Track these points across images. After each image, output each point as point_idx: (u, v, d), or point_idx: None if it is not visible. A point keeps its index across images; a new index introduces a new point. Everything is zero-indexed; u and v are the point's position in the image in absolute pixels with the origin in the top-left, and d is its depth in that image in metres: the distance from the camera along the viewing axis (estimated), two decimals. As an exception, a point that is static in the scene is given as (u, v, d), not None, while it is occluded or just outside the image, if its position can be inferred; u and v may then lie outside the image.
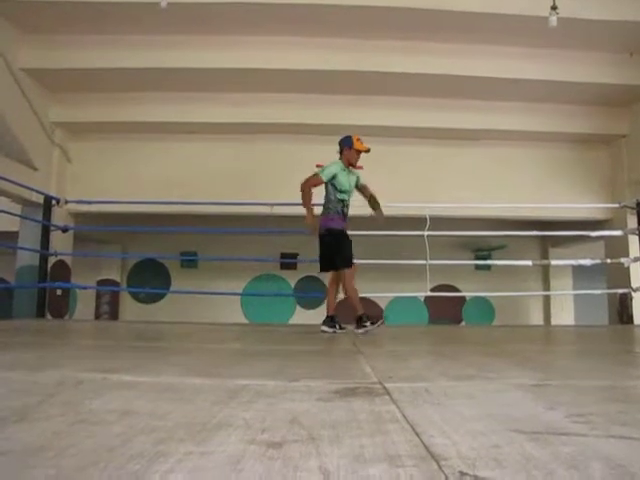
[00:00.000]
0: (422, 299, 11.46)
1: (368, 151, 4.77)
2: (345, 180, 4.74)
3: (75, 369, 2.12)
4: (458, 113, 8.36)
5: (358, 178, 4.91)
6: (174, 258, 11.54)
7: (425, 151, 8.93)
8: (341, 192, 4.74)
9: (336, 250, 4.69)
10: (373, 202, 4.94)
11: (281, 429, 1.15)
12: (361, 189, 4.95)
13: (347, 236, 4.78)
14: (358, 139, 4.78)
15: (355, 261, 4.81)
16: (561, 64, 7.60)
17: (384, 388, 1.69)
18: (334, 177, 4.69)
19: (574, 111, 8.54)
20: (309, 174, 4.76)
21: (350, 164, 4.79)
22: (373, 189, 5.00)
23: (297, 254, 10.95)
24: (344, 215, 4.79)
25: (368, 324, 4.55)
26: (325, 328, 4.76)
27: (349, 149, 4.75)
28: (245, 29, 7.21)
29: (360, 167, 4.90)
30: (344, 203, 4.78)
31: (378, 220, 4.96)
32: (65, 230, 7.78)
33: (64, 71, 7.65)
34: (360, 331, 4.54)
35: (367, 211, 5.03)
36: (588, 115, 8.60)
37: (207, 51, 7.43)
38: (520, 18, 6.75)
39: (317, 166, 4.89)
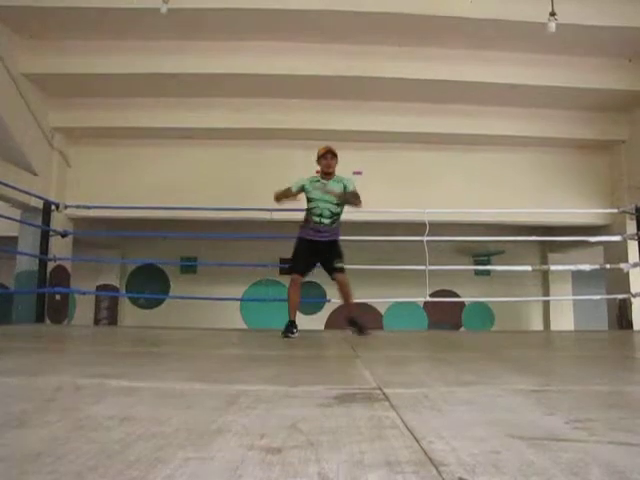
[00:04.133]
0: (421, 304, 11.44)
1: (329, 150, 4.74)
2: (316, 192, 4.74)
3: (74, 374, 2.11)
4: (456, 118, 8.37)
5: (345, 186, 4.76)
6: (173, 263, 11.53)
7: (423, 156, 8.93)
8: (310, 200, 4.78)
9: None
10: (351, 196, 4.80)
11: (280, 435, 1.15)
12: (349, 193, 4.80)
13: (304, 243, 4.76)
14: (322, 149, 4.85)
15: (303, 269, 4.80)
16: (559, 70, 7.62)
17: (383, 394, 1.68)
18: (304, 187, 4.77)
19: (573, 116, 8.56)
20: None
21: (325, 172, 4.78)
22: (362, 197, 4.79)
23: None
24: (314, 223, 4.75)
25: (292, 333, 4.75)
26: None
27: (318, 161, 4.82)
28: (243, 35, 7.22)
29: (359, 172, 4.88)
30: (312, 212, 4.76)
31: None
32: (64, 235, 7.77)
33: (64, 76, 7.66)
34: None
35: (361, 217, 5.00)
36: (587, 120, 8.61)
37: (206, 57, 7.44)
38: (518, 24, 6.76)
39: (317, 172, 4.91)
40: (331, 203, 4.73)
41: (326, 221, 4.73)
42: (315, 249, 4.75)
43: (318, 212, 4.73)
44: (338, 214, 4.80)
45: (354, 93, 8.02)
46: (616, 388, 2.00)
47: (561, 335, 7.17)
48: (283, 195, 4.83)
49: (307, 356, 3.34)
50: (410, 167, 8.80)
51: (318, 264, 4.87)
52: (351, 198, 4.71)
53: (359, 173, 4.89)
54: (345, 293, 4.85)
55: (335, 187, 4.75)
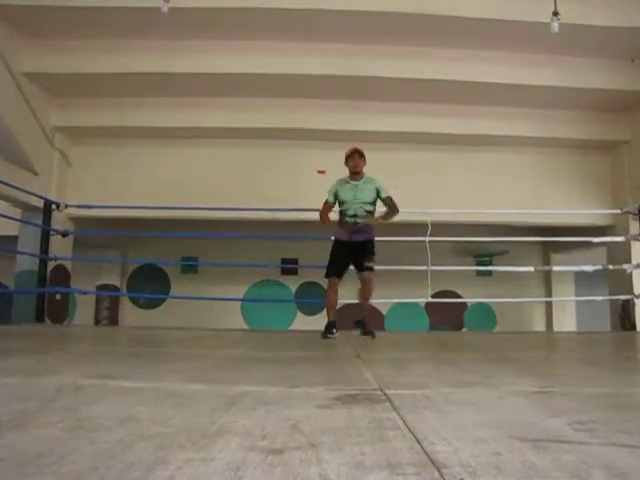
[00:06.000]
0: (423, 305, 11.43)
1: (356, 150, 4.83)
2: (346, 193, 4.81)
3: (74, 375, 2.11)
4: (458, 119, 8.36)
5: (378, 190, 4.85)
6: (174, 263, 11.53)
7: (426, 157, 8.92)
8: (342, 203, 4.85)
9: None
10: (388, 213, 5.00)
11: (281, 436, 1.14)
12: (385, 201, 4.91)
13: (339, 245, 4.85)
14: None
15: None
16: (563, 70, 7.60)
17: (385, 395, 1.68)
18: (336, 194, 4.84)
19: (576, 117, 8.55)
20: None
21: (353, 172, 4.84)
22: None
23: (297, 260, 10.95)
24: (348, 224, 4.80)
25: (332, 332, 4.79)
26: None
27: (345, 163, 4.88)
28: (245, 34, 7.21)
29: (323, 171, 4.89)
30: (345, 214, 4.83)
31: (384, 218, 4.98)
32: (65, 235, 7.77)
33: (65, 76, 7.66)
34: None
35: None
36: (590, 121, 8.59)
37: (208, 56, 7.44)
38: (521, 24, 6.75)
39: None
40: (364, 202, 4.80)
41: (361, 220, 4.80)
42: (350, 249, 4.81)
43: (352, 213, 4.79)
44: (372, 211, 4.88)
45: (356, 93, 8.01)
46: (619, 390, 1.99)
47: (563, 336, 7.17)
48: (325, 212, 4.92)
49: (308, 357, 3.34)
50: (412, 168, 8.77)
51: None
52: (393, 214, 4.90)
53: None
54: (367, 292, 4.91)
55: (366, 188, 4.82)
